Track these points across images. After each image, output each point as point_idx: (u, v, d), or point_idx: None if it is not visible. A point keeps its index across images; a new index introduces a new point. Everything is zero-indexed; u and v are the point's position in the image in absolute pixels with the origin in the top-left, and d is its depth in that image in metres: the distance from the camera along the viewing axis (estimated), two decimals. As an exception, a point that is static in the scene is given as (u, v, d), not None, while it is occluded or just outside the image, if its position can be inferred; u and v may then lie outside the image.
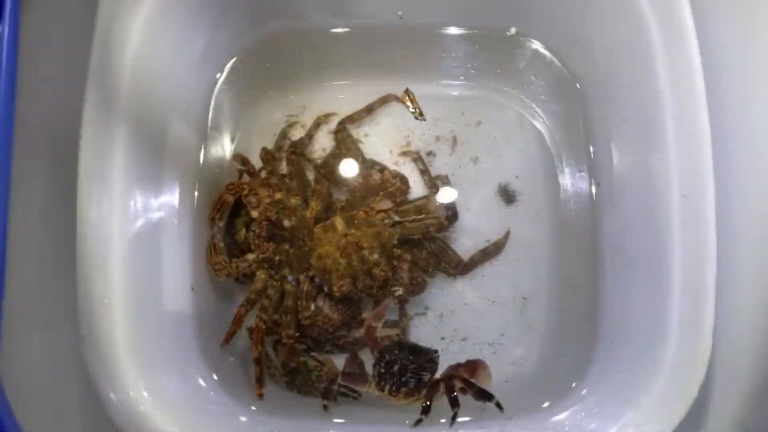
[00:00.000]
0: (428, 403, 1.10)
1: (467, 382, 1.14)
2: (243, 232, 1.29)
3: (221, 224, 1.28)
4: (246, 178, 1.32)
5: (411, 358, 1.14)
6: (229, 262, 1.25)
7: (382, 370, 1.14)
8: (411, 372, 1.13)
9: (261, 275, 1.26)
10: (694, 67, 0.98)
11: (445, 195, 1.33)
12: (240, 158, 1.31)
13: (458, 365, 1.17)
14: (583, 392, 1.14)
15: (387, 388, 1.14)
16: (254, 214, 1.26)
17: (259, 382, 1.21)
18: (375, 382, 1.15)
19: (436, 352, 1.18)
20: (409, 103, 1.37)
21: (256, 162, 1.33)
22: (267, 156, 1.32)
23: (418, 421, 1.10)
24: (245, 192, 1.25)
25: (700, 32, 1.00)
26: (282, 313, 1.25)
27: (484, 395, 1.12)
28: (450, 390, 1.12)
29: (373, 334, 1.20)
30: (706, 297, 0.96)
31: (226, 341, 1.23)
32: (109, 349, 1.00)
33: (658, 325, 1.03)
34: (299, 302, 1.24)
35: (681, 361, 0.99)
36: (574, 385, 1.17)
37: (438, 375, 1.16)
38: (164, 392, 1.03)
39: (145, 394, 1.00)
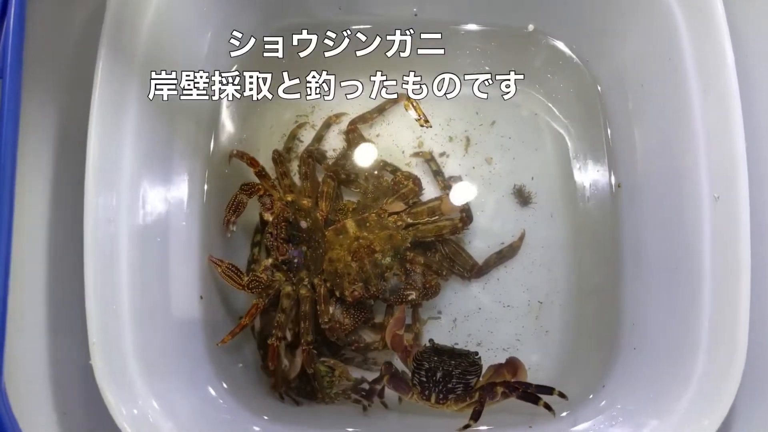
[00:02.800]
0: (480, 408, 1.07)
1: (522, 383, 1.11)
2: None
3: (234, 228, 1.23)
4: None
5: (453, 363, 1.11)
6: (258, 275, 1.20)
7: (424, 379, 1.11)
8: (456, 378, 1.10)
9: (278, 275, 1.23)
10: (727, 65, 0.95)
11: (459, 196, 1.30)
12: (247, 158, 1.27)
13: (500, 366, 1.15)
14: (605, 401, 1.11)
15: (433, 396, 1.11)
16: (267, 216, 1.22)
17: (275, 387, 1.22)
18: (417, 391, 1.12)
19: (476, 354, 1.15)
20: (412, 111, 1.34)
21: (265, 162, 1.29)
22: (280, 158, 1.29)
23: (466, 426, 1.06)
24: (260, 193, 1.22)
25: (732, 29, 0.96)
26: (300, 319, 1.21)
27: (545, 390, 1.10)
28: (513, 391, 1.09)
29: (402, 343, 1.17)
30: (739, 305, 0.93)
31: (231, 334, 1.19)
32: (118, 358, 0.98)
33: (687, 333, 1.00)
34: (318, 307, 1.20)
35: (712, 373, 0.96)
36: (594, 393, 1.15)
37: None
38: (174, 402, 1.01)
39: (154, 404, 0.98)
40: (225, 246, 1.28)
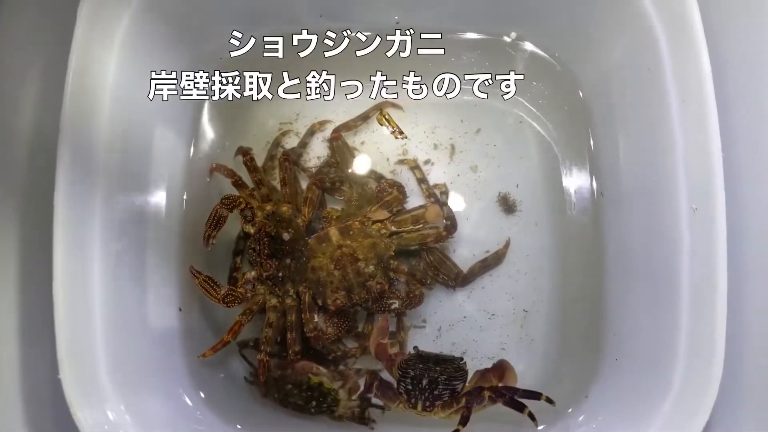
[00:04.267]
0: (468, 413, 1.07)
1: (509, 388, 1.11)
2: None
3: (214, 242, 1.21)
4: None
5: (438, 369, 1.10)
6: (235, 289, 1.20)
7: (410, 387, 1.11)
8: (443, 384, 1.09)
9: (260, 289, 1.22)
10: (704, 75, 0.94)
11: (444, 204, 1.29)
12: (224, 169, 1.26)
13: (486, 371, 1.14)
14: (585, 415, 1.11)
15: (420, 404, 1.11)
16: (248, 228, 1.21)
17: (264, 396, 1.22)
18: (404, 399, 1.12)
19: (461, 359, 1.15)
20: (386, 124, 1.34)
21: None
22: (252, 163, 1.26)
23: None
24: (241, 206, 1.21)
25: (709, 40, 0.96)
26: (287, 329, 1.21)
27: (533, 395, 1.10)
28: (500, 396, 1.09)
29: (386, 352, 1.16)
30: (716, 315, 0.92)
31: (213, 350, 1.18)
32: (89, 372, 0.97)
33: (665, 345, 0.99)
34: (303, 315, 1.19)
35: (689, 385, 0.95)
36: (576, 405, 1.15)
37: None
38: (147, 413, 1.00)
39: (126, 416, 0.97)
40: (206, 254, 1.26)
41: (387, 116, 1.33)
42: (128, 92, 1.08)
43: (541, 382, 1.26)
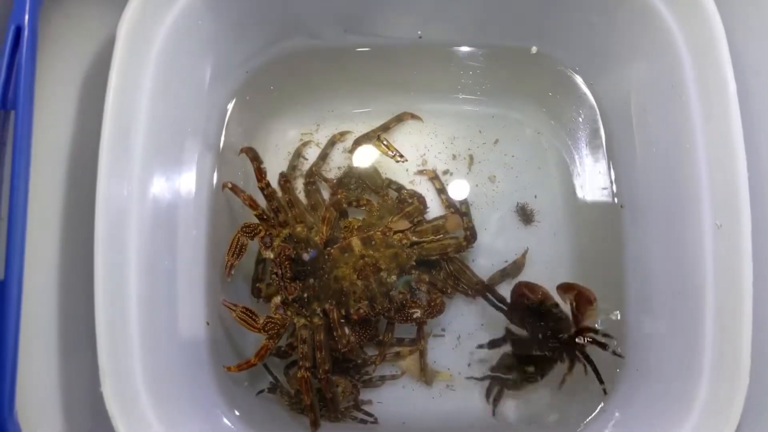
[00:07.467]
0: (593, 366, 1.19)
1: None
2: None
3: (233, 272, 1.22)
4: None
5: (542, 324, 1.23)
6: (273, 317, 1.20)
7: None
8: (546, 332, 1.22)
9: (287, 311, 1.22)
10: (729, 93, 0.95)
11: (463, 214, 1.30)
12: (236, 189, 1.23)
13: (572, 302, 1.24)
14: (607, 423, 1.13)
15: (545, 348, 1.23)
16: (267, 254, 1.21)
17: (314, 425, 1.21)
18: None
19: (555, 304, 1.24)
20: (384, 150, 1.35)
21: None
22: (269, 189, 1.23)
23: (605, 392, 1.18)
24: (262, 234, 1.21)
25: (734, 58, 0.97)
26: (316, 349, 1.20)
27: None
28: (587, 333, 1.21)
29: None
30: (741, 333, 0.93)
31: (238, 368, 1.19)
32: (128, 387, 0.97)
33: (690, 358, 1.00)
34: (334, 332, 1.19)
35: (714, 399, 0.96)
36: (594, 415, 1.17)
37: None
38: (179, 422, 1.01)
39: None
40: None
41: (385, 142, 1.35)
42: (160, 108, 1.09)
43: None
